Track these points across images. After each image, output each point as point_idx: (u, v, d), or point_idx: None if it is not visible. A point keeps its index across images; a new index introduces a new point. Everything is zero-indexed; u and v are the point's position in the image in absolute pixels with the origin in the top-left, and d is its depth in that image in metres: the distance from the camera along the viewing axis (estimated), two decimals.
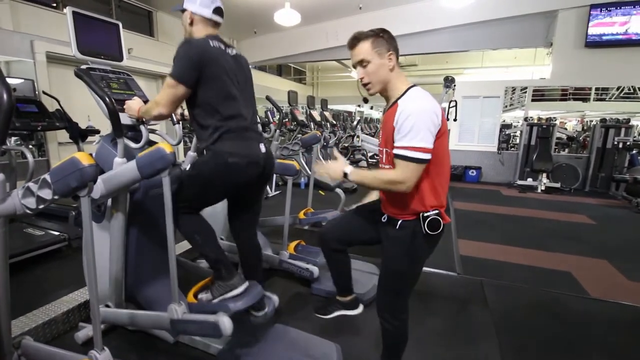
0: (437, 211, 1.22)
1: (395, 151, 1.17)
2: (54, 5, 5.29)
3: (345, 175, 1.25)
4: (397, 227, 1.27)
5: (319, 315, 1.82)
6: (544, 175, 6.31)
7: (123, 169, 1.41)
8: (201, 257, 2.37)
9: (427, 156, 1.14)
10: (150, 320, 1.60)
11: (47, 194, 1.18)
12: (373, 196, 1.57)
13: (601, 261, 3.10)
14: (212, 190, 1.60)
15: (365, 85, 1.27)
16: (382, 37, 1.23)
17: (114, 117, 1.51)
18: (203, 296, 1.60)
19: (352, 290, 1.78)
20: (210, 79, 1.46)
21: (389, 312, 1.40)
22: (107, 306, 1.73)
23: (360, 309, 1.74)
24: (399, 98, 1.22)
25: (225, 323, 1.38)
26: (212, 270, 1.67)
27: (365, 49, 1.22)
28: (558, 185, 6.30)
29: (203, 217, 1.65)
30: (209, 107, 1.50)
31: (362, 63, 1.24)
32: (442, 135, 1.19)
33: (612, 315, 2.22)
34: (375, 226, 1.46)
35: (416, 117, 1.13)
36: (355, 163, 7.50)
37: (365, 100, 1.32)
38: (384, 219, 1.38)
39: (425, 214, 1.21)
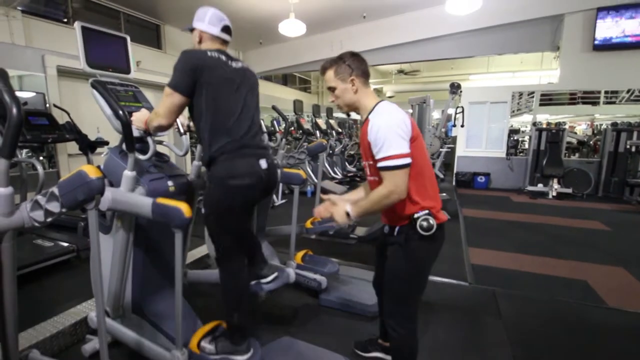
0: (426, 211, 1.26)
1: (378, 165, 1.24)
2: (65, 20, 5.44)
3: (348, 214, 1.28)
4: (395, 233, 1.34)
5: (357, 351, 1.80)
6: (555, 180, 6.20)
7: (137, 201, 1.41)
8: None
9: (407, 160, 1.21)
10: (153, 353, 1.58)
11: (55, 206, 1.18)
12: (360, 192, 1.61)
13: (618, 269, 3.01)
14: (230, 217, 1.56)
15: (337, 106, 1.42)
16: (345, 63, 1.33)
17: (127, 130, 1.51)
18: (206, 346, 1.57)
19: None
20: (205, 87, 1.46)
21: (394, 319, 1.40)
22: (107, 313, 1.72)
23: None
24: (369, 114, 1.31)
25: None
26: (220, 289, 1.63)
27: (330, 76, 1.35)
28: (570, 190, 6.17)
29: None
30: (203, 115, 1.49)
31: (330, 88, 1.38)
32: (414, 140, 1.26)
33: (632, 325, 2.14)
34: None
35: (386, 129, 1.21)
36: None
37: (347, 114, 1.42)
38: (386, 230, 1.43)
39: (415, 216, 1.26)
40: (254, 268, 1.80)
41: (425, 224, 1.24)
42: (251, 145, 1.58)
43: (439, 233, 1.29)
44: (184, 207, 1.28)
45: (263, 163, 1.58)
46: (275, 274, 1.80)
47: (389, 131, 1.21)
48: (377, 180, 1.30)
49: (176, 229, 1.31)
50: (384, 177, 1.22)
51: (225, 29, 1.61)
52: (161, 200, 1.32)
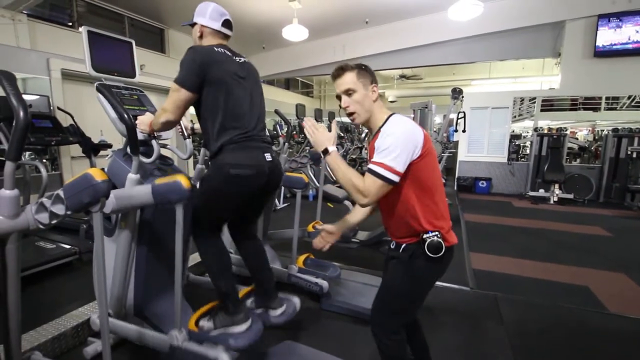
0: (437, 232, 1.20)
1: (368, 166, 1.19)
2: (70, 24, 5.49)
3: (325, 151, 1.23)
4: (401, 250, 1.28)
5: None
6: (556, 186, 6.19)
7: (138, 191, 1.42)
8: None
9: (395, 178, 1.14)
10: (153, 341, 1.59)
11: (60, 209, 1.19)
12: (357, 214, 1.53)
13: (619, 274, 3.00)
14: (221, 204, 1.59)
15: (350, 114, 1.29)
16: (366, 70, 1.27)
17: (132, 134, 1.52)
18: (205, 324, 1.58)
19: None
20: (214, 82, 1.48)
21: (380, 329, 1.35)
22: (109, 314, 1.72)
23: None
24: (381, 126, 1.24)
25: None
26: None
27: (351, 78, 1.25)
28: (571, 196, 6.17)
29: (224, 245, 1.66)
30: (212, 111, 1.51)
31: (347, 92, 1.26)
32: (425, 156, 1.20)
33: (633, 331, 2.13)
34: None
35: (394, 138, 1.16)
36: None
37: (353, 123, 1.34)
38: (392, 245, 1.36)
39: (425, 236, 1.20)
40: (264, 297, 1.82)
41: (434, 245, 1.18)
42: (258, 138, 1.61)
43: (447, 255, 1.22)
44: (182, 179, 1.28)
45: (268, 156, 1.61)
46: (283, 308, 1.79)
47: (396, 141, 1.15)
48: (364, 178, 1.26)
49: (177, 205, 1.30)
50: (367, 178, 1.17)
51: (226, 23, 1.64)
52: (159, 180, 1.32)
